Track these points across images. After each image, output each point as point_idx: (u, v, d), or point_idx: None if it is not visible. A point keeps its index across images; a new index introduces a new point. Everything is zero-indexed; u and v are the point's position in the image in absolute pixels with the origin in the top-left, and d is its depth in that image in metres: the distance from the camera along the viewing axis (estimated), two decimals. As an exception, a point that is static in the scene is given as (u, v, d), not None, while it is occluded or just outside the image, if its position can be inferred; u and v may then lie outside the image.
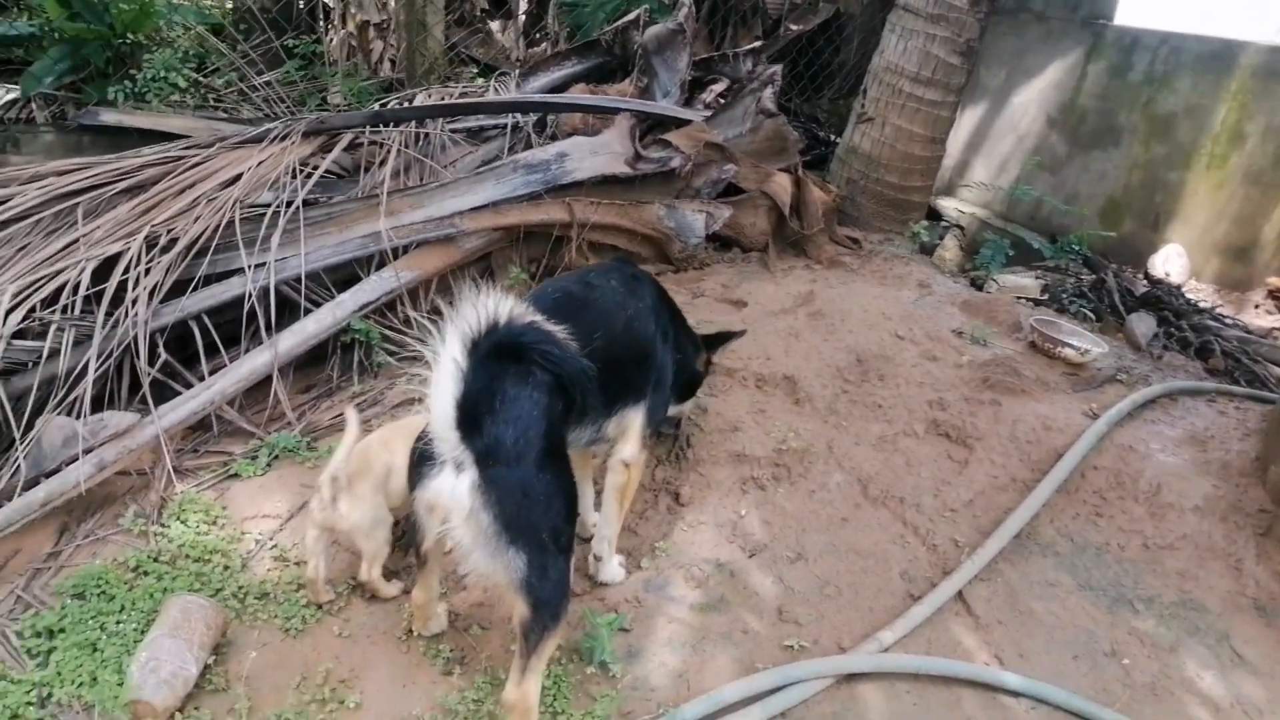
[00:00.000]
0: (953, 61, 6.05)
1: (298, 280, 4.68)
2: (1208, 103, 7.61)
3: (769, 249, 5.75)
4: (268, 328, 4.49)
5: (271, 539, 3.60)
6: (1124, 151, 8.01)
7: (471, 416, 2.50)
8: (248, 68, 6.77)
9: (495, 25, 7.92)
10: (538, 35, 7.89)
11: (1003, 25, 8.32)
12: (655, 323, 3.33)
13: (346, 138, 5.43)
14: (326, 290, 4.80)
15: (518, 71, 6.54)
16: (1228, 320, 6.27)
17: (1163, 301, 6.13)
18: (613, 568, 3.50)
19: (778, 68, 6.05)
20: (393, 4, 7.18)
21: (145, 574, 3.39)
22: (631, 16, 6.53)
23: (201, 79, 6.66)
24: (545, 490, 2.60)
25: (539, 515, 2.59)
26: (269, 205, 4.82)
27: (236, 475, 3.94)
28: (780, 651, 3.17)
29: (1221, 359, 5.29)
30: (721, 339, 3.92)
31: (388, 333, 4.88)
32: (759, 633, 3.27)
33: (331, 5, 7.42)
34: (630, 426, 3.28)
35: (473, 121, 6.07)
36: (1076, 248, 7.09)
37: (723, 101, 6.19)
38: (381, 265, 4.89)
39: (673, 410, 3.76)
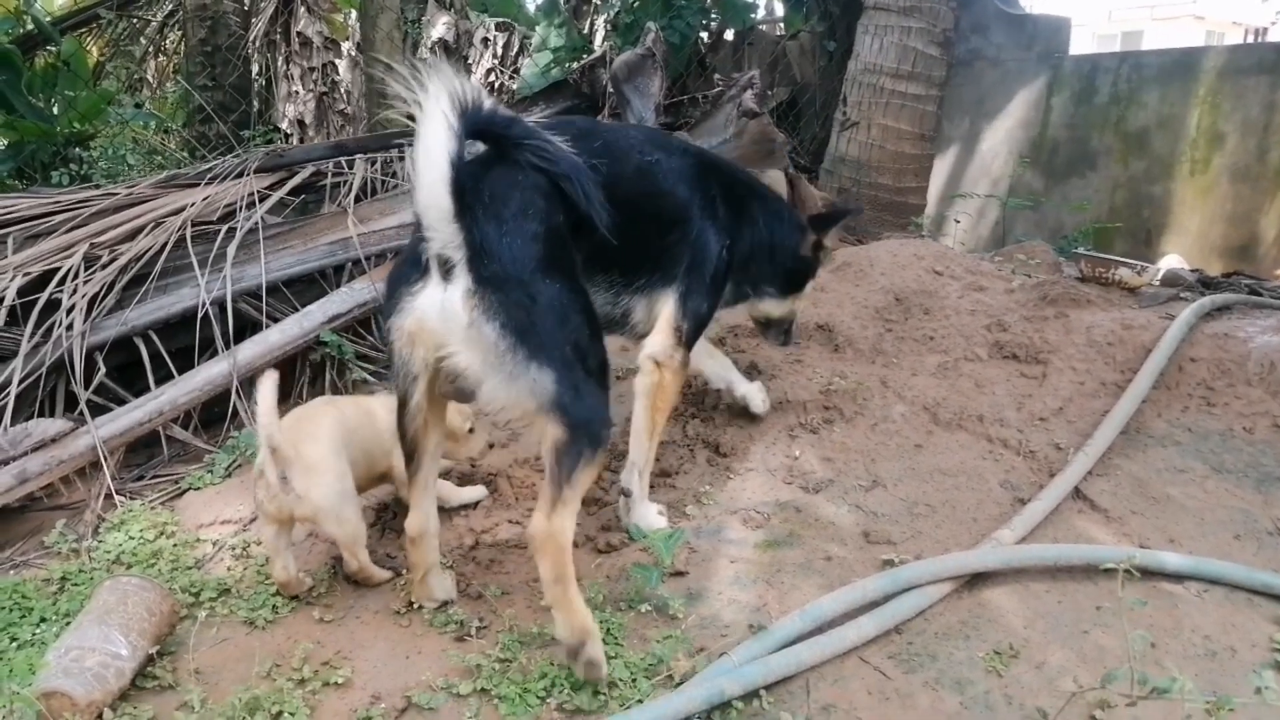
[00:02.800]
0: (931, 53, 5.90)
1: (258, 294, 4.18)
2: (1179, 111, 7.56)
3: (770, 246, 5.35)
4: (226, 344, 3.96)
5: (231, 541, 2.96)
6: (1102, 174, 7.88)
7: (465, 202, 2.06)
8: (201, 147, 6.51)
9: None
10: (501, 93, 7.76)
11: (959, 76, 8.24)
12: (692, 188, 2.76)
13: (308, 170, 5.05)
14: (291, 306, 4.29)
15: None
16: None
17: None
18: (648, 511, 2.82)
19: (755, 71, 5.85)
20: (347, 78, 7.02)
21: (74, 585, 2.74)
22: (597, 54, 6.38)
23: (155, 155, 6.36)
24: (556, 300, 2.18)
25: (554, 326, 2.16)
26: (224, 225, 4.37)
27: (191, 489, 3.32)
28: (879, 570, 2.53)
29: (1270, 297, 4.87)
30: (833, 217, 3.30)
31: (362, 349, 4.35)
32: (845, 558, 2.63)
33: (290, 79, 7.27)
34: (659, 312, 2.73)
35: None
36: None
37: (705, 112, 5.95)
38: (353, 277, 4.41)
39: (776, 308, 3.20)
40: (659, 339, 2.73)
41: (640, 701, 2.08)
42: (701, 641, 2.32)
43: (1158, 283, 4.16)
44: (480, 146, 2.32)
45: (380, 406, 2.82)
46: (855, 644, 2.24)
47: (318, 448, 2.57)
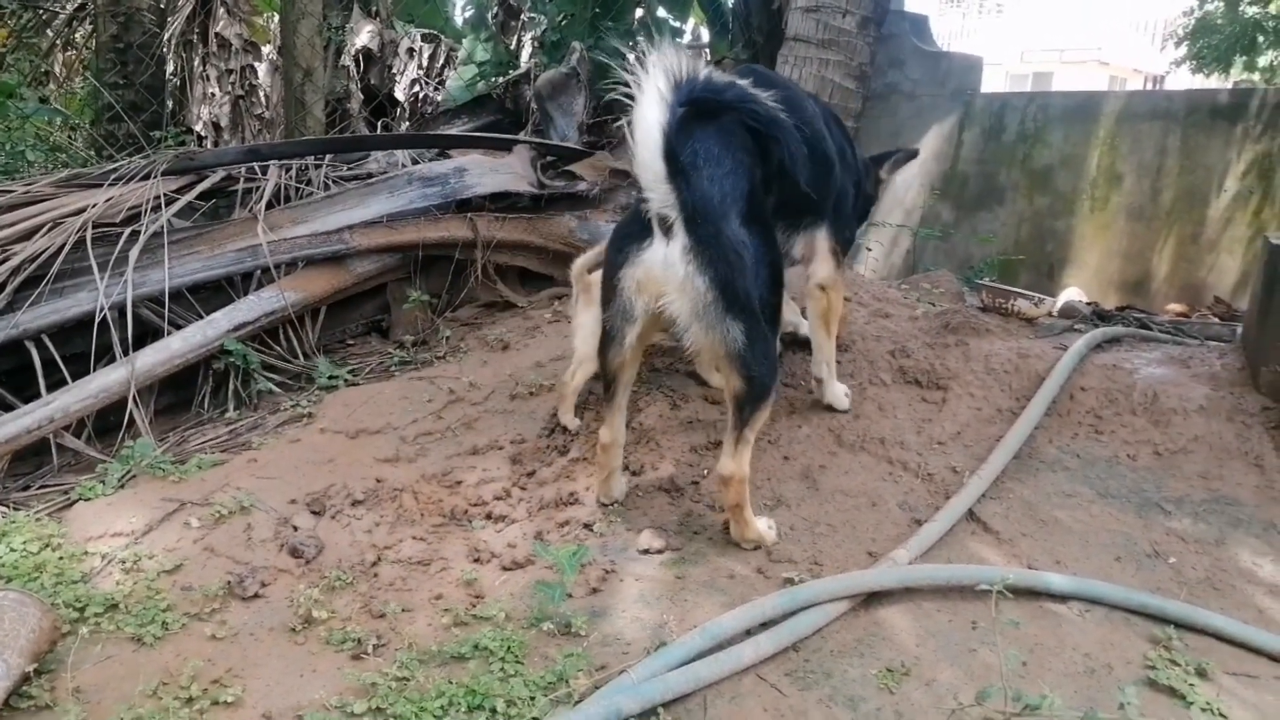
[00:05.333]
0: (848, 86, 6.07)
1: (161, 300, 4.05)
2: (1081, 151, 7.89)
3: (688, 267, 5.42)
4: (124, 350, 3.83)
5: (122, 555, 2.84)
6: (1009, 208, 8.17)
7: (678, 166, 2.38)
8: (109, 147, 6.29)
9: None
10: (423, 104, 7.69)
11: (876, 109, 8.47)
12: (832, 133, 3.15)
13: (219, 174, 4.92)
14: (196, 314, 4.18)
15: (404, 127, 6.24)
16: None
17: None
18: (836, 391, 3.43)
19: (676, 95, 5.92)
20: (266, 82, 6.87)
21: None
22: (522, 70, 6.38)
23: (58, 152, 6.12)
24: (753, 254, 2.53)
25: (750, 281, 2.51)
26: (128, 228, 4.23)
27: (81, 499, 3.19)
28: (780, 588, 2.57)
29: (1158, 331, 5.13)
30: (890, 155, 3.75)
31: (270, 360, 4.25)
32: (748, 576, 2.67)
33: (207, 80, 7.08)
34: (818, 246, 3.13)
35: (360, 169, 5.67)
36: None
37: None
38: (262, 285, 4.32)
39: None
40: (822, 268, 3.15)
41: (537, 719, 2.08)
42: (603, 659, 2.32)
43: (1055, 314, 4.34)
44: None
45: None
46: (753, 661, 2.27)
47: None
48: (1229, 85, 12.88)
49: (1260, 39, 12.26)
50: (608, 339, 2.77)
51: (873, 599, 2.51)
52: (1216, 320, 5.38)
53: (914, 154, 3.80)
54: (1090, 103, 7.99)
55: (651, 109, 2.35)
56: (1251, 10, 12.52)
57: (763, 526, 2.82)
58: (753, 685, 2.24)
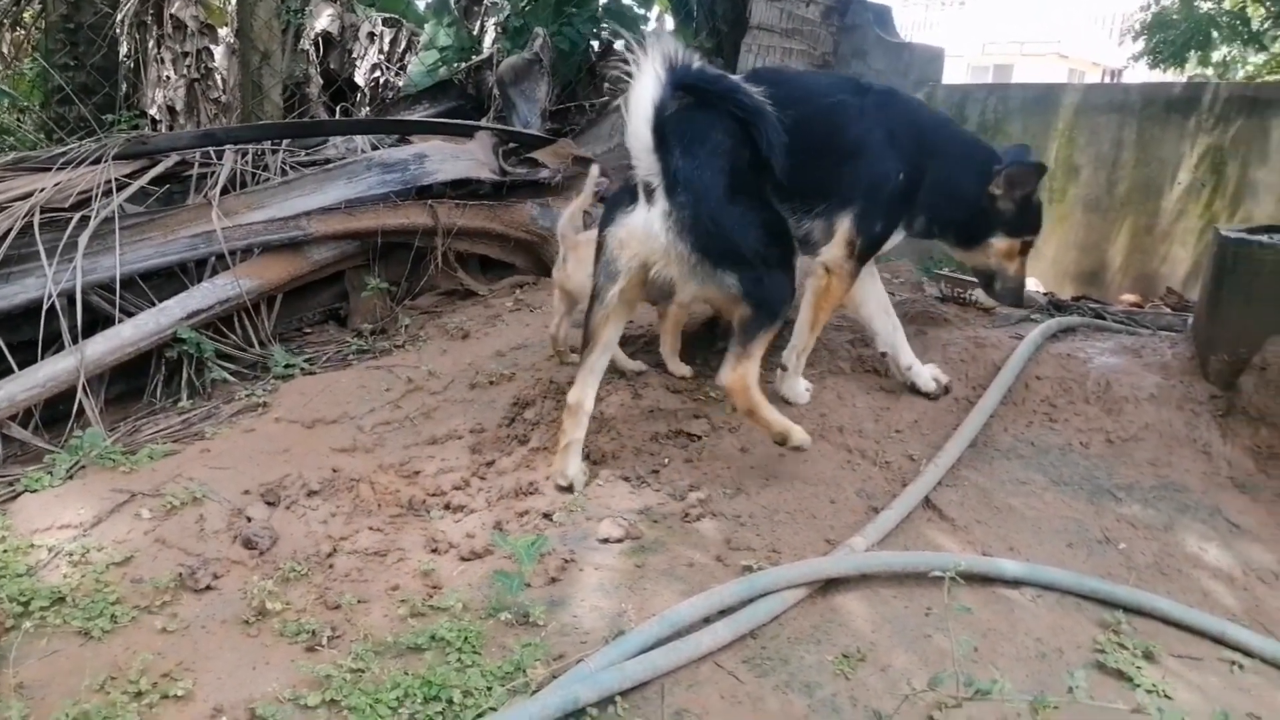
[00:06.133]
0: (810, 75, 6.08)
1: (112, 286, 3.97)
2: (1040, 143, 7.95)
3: (650, 256, 5.40)
4: (74, 338, 3.74)
5: (69, 547, 2.78)
6: (970, 198, 8.24)
7: (665, 140, 2.64)
8: (59, 130, 6.13)
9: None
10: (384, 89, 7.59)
11: None
12: (873, 124, 3.12)
13: (173, 159, 4.82)
14: (148, 301, 4.10)
15: (364, 113, 6.16)
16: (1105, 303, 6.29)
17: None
18: (796, 385, 3.37)
19: (639, 83, 5.90)
20: (223, 65, 6.74)
21: None
22: (485, 56, 6.32)
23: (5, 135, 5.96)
24: (736, 220, 2.78)
25: (734, 239, 2.78)
26: (78, 213, 4.13)
27: (27, 491, 3.12)
28: (739, 575, 2.58)
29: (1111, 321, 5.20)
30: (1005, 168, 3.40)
31: (225, 349, 4.19)
32: (707, 564, 2.68)
33: (161, 63, 6.92)
34: (834, 230, 3.12)
35: (318, 154, 5.58)
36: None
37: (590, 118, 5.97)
38: (217, 272, 4.24)
39: (971, 254, 3.48)
40: (831, 250, 3.14)
41: (494, 709, 2.07)
42: (561, 648, 2.32)
43: (1010, 311, 4.37)
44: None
45: None
46: (711, 649, 2.27)
47: (590, 249, 3.21)
48: (1184, 80, 13.09)
49: (1214, 34, 12.46)
50: (592, 298, 3.00)
51: (830, 586, 2.53)
52: (1169, 310, 5.47)
53: (1045, 169, 3.45)
54: (1049, 95, 8.07)
55: (647, 84, 2.62)
56: (1206, 6, 12.72)
57: (789, 422, 2.99)
58: (710, 673, 2.25)
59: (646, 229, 2.77)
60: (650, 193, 2.75)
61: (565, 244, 3.69)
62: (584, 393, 3.06)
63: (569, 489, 3.03)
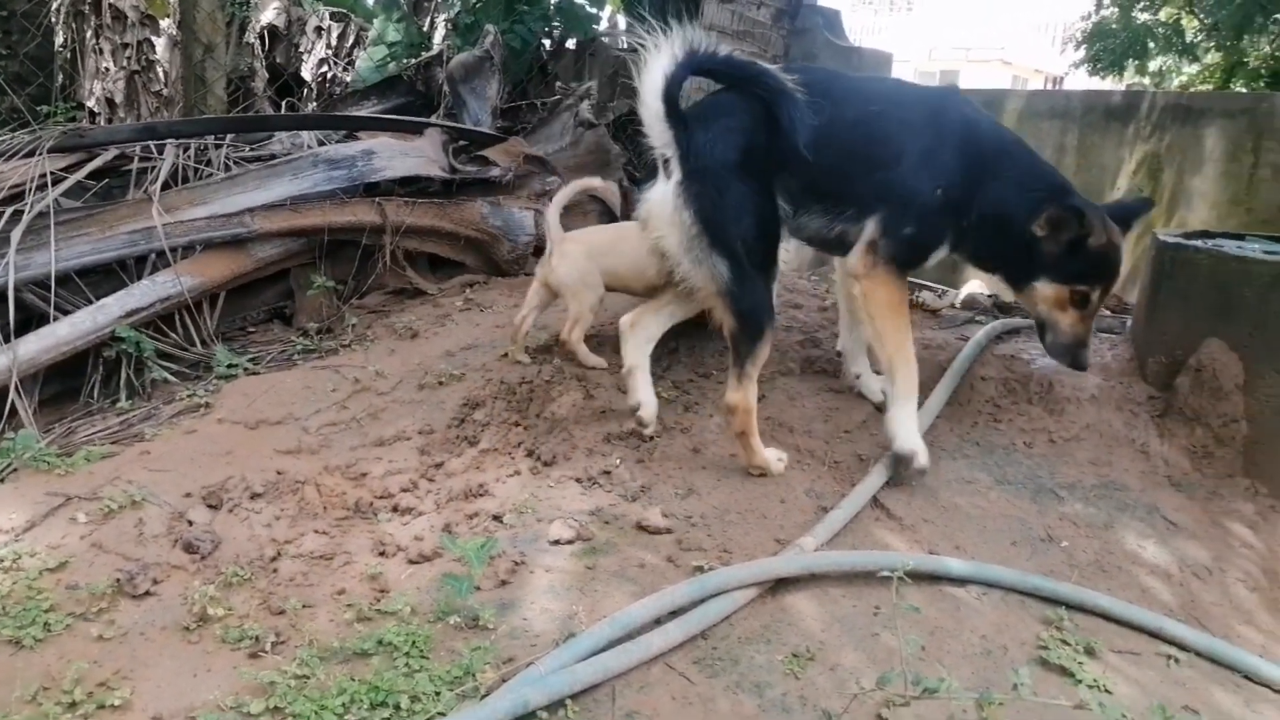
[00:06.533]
0: (761, 77, 6.11)
1: (46, 283, 3.85)
2: (984, 147, 8.14)
3: (603, 256, 5.38)
4: (5, 337, 3.62)
5: (0, 553, 2.69)
6: (918, 202, 8.37)
7: (680, 116, 2.77)
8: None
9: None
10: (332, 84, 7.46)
11: None
12: (919, 143, 3.02)
13: (111, 152, 4.68)
14: (85, 298, 3.98)
15: (311, 108, 6.05)
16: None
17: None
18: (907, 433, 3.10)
19: (593, 83, 5.89)
20: (165, 57, 6.57)
21: None
22: (434, 53, 6.25)
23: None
24: (738, 200, 2.85)
25: (731, 220, 2.83)
26: (9, 208, 4.00)
27: (-47, 496, 3.00)
28: (690, 576, 2.58)
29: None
30: (1125, 210, 3.29)
31: (166, 348, 4.08)
32: (658, 565, 2.67)
33: (100, 53, 6.73)
34: (860, 236, 3.07)
35: (263, 150, 5.47)
36: None
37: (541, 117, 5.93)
38: (157, 269, 4.14)
39: (1030, 298, 3.17)
40: (854, 257, 3.09)
41: (442, 715, 2.04)
42: (511, 652, 2.30)
43: (957, 306, 4.46)
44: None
45: (634, 232, 3.38)
46: (662, 650, 2.27)
47: (577, 246, 3.69)
48: (1122, 88, 13.45)
49: (1151, 45, 12.83)
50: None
51: (780, 585, 2.54)
52: (1109, 313, 5.60)
53: (1151, 205, 3.42)
54: (994, 101, 8.24)
55: (660, 60, 2.73)
56: (1143, 17, 13.09)
57: (771, 456, 3.07)
58: (661, 674, 2.25)
59: (661, 200, 2.89)
60: (666, 164, 2.86)
61: (550, 238, 3.75)
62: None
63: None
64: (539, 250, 5.17)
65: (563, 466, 3.21)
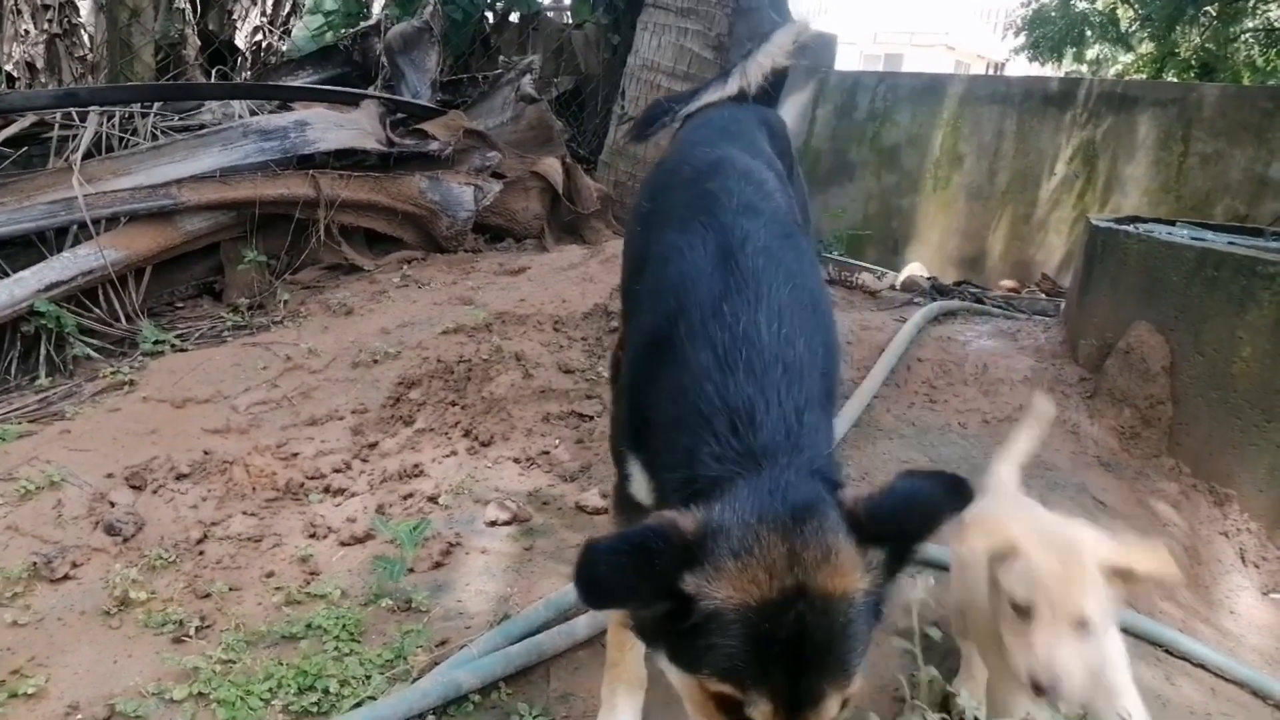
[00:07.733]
0: (706, 55, 6.08)
1: (-42, 255, 3.68)
2: (926, 131, 8.20)
3: (544, 234, 5.33)
4: (-87, 310, 3.46)
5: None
6: (858, 185, 8.42)
7: None
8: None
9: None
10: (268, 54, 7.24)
11: None
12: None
13: (29, 119, 4.48)
14: (2, 272, 3.81)
15: (244, 77, 5.86)
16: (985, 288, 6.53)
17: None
18: None
19: (535, 57, 5.80)
20: (89, 21, 6.30)
21: None
22: (371, 22, 6.09)
23: None
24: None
25: None
26: (-83, 174, 3.81)
27: None
28: (625, 556, 2.57)
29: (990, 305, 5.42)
30: None
31: (89, 324, 3.93)
32: (595, 546, 2.66)
33: (19, 15, 6.42)
34: None
35: (193, 119, 5.29)
36: None
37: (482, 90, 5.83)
38: (79, 241, 3.98)
39: None
40: None
41: (372, 699, 2.01)
42: (445, 634, 2.27)
43: (896, 288, 4.51)
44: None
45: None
46: (593, 632, 2.26)
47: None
48: (1060, 75, 13.70)
49: (1088, 32, 13.07)
50: None
51: (717, 566, 2.54)
52: (1044, 296, 5.73)
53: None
54: (936, 85, 8.30)
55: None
56: (1081, 5, 13.32)
57: None
58: (596, 654, 2.23)
59: None
60: None
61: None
62: None
63: None
64: (478, 227, 5.10)
65: (500, 447, 3.18)
